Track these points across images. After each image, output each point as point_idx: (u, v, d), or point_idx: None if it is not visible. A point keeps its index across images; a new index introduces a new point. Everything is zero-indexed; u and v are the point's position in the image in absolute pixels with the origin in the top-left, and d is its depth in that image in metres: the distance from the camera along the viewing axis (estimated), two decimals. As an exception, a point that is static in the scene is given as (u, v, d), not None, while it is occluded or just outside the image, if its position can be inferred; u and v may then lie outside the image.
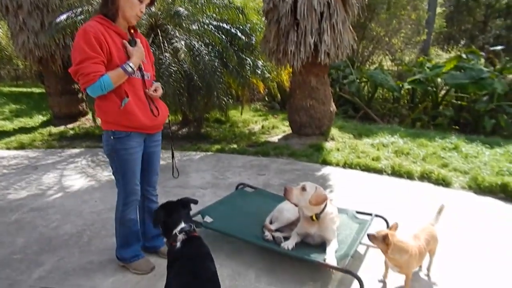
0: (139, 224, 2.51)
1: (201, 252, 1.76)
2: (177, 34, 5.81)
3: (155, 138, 2.37)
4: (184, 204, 1.97)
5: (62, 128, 7.43)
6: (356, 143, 5.73)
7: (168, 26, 6.05)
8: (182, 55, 5.43)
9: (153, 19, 6.06)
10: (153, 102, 2.22)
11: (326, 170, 4.69)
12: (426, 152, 5.25)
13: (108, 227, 3.09)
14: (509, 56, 9.74)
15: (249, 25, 6.94)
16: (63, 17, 5.72)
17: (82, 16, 5.88)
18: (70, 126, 7.60)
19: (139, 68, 2.16)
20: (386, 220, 2.87)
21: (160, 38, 5.87)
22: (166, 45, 5.90)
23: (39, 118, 8.70)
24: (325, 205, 2.47)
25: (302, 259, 2.36)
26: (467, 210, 3.51)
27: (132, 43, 2.12)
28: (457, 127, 8.09)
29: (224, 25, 6.34)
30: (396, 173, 4.49)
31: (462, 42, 19.62)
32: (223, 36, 6.14)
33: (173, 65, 5.68)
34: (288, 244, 2.45)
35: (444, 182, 4.20)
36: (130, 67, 2.05)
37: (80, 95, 8.14)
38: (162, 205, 1.96)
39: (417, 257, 2.19)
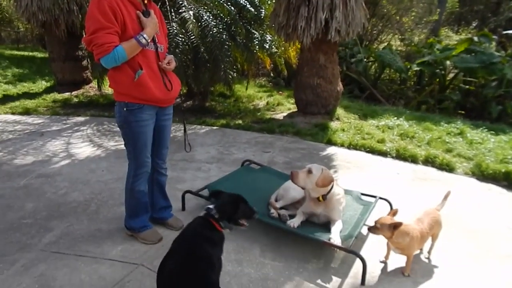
0: (148, 195, 2.55)
1: (202, 233, 1.73)
2: (185, 4, 5.65)
3: (167, 111, 2.36)
4: (236, 199, 1.90)
5: (66, 95, 7.38)
6: (362, 124, 5.71)
7: (176, -6, 5.88)
8: (190, 26, 5.31)
9: (161, -14, 5.88)
10: (167, 76, 2.20)
11: (331, 150, 4.70)
12: (431, 137, 5.24)
13: (115, 196, 3.14)
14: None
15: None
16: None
17: None
18: (74, 93, 7.55)
19: (153, 40, 2.12)
20: (390, 203, 2.91)
21: (168, 7, 5.71)
22: (173, 14, 5.75)
23: (42, 84, 8.63)
24: (332, 186, 2.50)
25: (307, 237, 2.41)
26: (469, 195, 3.55)
27: (146, 14, 2.07)
28: (462, 111, 8.03)
29: (234, -5, 6.16)
30: (400, 156, 4.51)
31: (474, 24, 19.10)
32: (232, 8, 5.98)
33: (180, 36, 5.57)
34: (294, 222, 2.49)
35: (448, 167, 4.22)
36: (144, 38, 2.01)
37: (84, 62, 8.02)
38: (227, 193, 1.95)
39: (418, 240, 2.24)
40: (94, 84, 7.86)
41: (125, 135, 2.24)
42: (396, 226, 2.12)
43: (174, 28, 5.52)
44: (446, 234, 2.60)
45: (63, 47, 7.62)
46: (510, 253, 2.56)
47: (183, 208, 2.94)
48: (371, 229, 2.20)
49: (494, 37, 9.11)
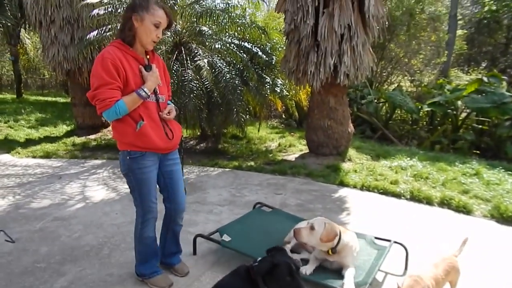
0: (161, 239, 2.57)
1: None
2: (200, 52, 5.98)
3: (170, 156, 2.41)
4: (287, 268, 1.82)
5: (84, 138, 7.66)
6: (374, 165, 5.69)
7: (192, 44, 6.25)
8: (205, 73, 5.58)
9: (178, 37, 6.27)
10: (167, 125, 2.29)
11: (343, 191, 4.67)
12: (446, 177, 5.17)
13: (128, 240, 3.15)
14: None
15: (269, 44, 7.10)
16: (94, 33, 5.98)
17: (110, 33, 6.15)
18: (92, 137, 7.83)
19: (154, 92, 2.22)
20: (405, 247, 2.83)
21: (184, 55, 6.06)
22: (189, 62, 6.08)
23: (63, 128, 9.00)
24: (339, 239, 2.45)
25: (321, 284, 2.35)
26: (489, 240, 3.43)
27: (148, 68, 2.19)
28: (477, 151, 7.93)
29: (246, 44, 6.51)
30: (415, 198, 4.43)
31: (483, 64, 19.32)
32: (244, 55, 6.29)
33: (194, 81, 5.85)
34: (307, 269, 2.45)
35: (465, 210, 4.11)
36: (145, 92, 2.12)
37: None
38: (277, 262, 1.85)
39: (435, 286, 2.16)
40: (111, 128, 8.16)
41: (130, 183, 2.31)
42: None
43: (190, 74, 5.81)
44: (467, 279, 2.49)
45: (85, 93, 7.95)
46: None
47: (194, 252, 2.92)
48: None
49: (504, 77, 9.19)
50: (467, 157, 7.29)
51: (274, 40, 7.13)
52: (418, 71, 12.26)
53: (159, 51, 6.19)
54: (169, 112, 2.28)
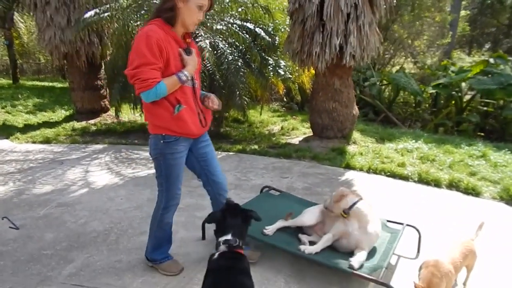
0: None
1: (236, 267, 1.69)
2: (202, 33, 5.80)
3: (202, 138, 2.34)
4: (244, 216, 1.86)
5: (84, 123, 7.54)
6: (380, 148, 5.62)
7: (193, 24, 6.05)
8: (207, 54, 5.42)
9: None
10: (203, 112, 2.23)
11: (350, 174, 4.61)
12: (453, 160, 5.10)
13: (134, 225, 3.10)
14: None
15: (271, 25, 6.90)
16: (91, 13, 5.79)
17: (108, 13, 5.95)
18: (92, 121, 7.70)
19: (191, 77, 2.15)
20: (418, 230, 2.78)
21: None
22: (190, 43, 5.90)
23: (62, 113, 8.85)
24: (354, 202, 2.43)
25: (332, 267, 2.31)
26: (499, 221, 3.39)
27: (188, 52, 2.11)
28: (482, 134, 7.86)
29: (248, 24, 6.30)
30: (423, 180, 4.38)
31: (487, 46, 19.05)
32: (247, 36, 6.11)
33: (196, 64, 5.69)
34: (308, 249, 2.40)
35: (473, 192, 4.07)
36: (185, 75, 2.05)
37: (102, 91, 8.23)
38: (222, 208, 1.90)
39: (452, 274, 2.11)
40: (111, 112, 8.02)
41: (159, 167, 2.24)
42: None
43: (191, 56, 5.65)
44: (480, 262, 2.45)
45: (83, 77, 7.85)
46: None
47: (203, 237, 2.87)
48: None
49: (510, 58, 9.03)
50: (472, 139, 7.22)
51: (277, 21, 6.92)
52: (422, 53, 12.06)
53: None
54: (211, 102, 2.25)
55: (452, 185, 4.23)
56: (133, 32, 6.12)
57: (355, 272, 2.18)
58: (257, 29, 6.23)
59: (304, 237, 2.65)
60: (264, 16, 6.37)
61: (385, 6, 5.65)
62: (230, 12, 6.37)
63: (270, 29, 6.68)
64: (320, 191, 3.98)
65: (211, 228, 2.91)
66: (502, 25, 21.59)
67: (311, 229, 2.74)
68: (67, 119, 8.05)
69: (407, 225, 2.82)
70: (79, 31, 6.37)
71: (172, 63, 2.02)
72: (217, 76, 5.95)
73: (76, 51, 7.34)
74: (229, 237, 1.75)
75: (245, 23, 6.32)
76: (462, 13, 16.65)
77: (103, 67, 8.21)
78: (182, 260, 2.55)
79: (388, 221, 2.91)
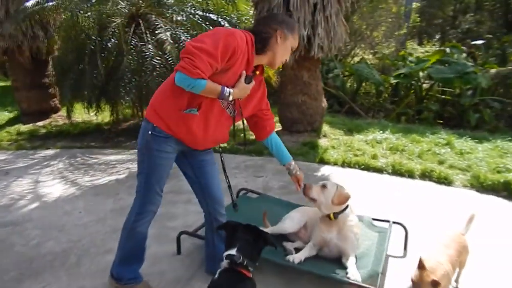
0: (209, 247, 2.27)
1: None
2: (162, 25, 5.39)
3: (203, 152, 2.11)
4: (255, 233, 1.64)
5: (31, 126, 6.83)
6: (351, 140, 5.57)
7: (151, 15, 5.61)
8: (168, 48, 5.04)
9: (134, 7, 5.61)
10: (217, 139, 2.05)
11: (325, 169, 4.49)
12: (421, 149, 5.16)
13: (98, 242, 2.74)
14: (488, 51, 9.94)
15: (235, 15, 6.61)
16: (33, 2, 5.16)
17: (54, 3, 5.35)
18: (40, 123, 7.00)
19: (231, 101, 1.92)
20: (405, 228, 2.69)
21: (143, 28, 5.44)
22: (148, 36, 5.48)
23: (4, 115, 7.98)
24: (347, 206, 2.29)
25: (324, 276, 2.14)
26: (472, 209, 3.40)
27: (248, 79, 1.88)
28: (441, 121, 8.14)
29: (211, 15, 5.97)
30: (396, 172, 4.37)
31: (437, 36, 20.03)
32: (211, 27, 5.78)
33: (157, 58, 5.29)
34: (295, 258, 2.22)
35: (446, 181, 4.11)
36: (229, 93, 1.80)
37: (51, 90, 7.49)
38: (235, 222, 1.71)
39: (451, 273, 2.02)
40: (63, 112, 7.32)
41: (142, 162, 1.95)
42: (436, 284, 1.88)
43: (151, 50, 5.23)
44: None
45: (28, 75, 7.08)
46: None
47: (179, 252, 2.59)
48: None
49: (463, 48, 9.45)
50: (433, 127, 7.45)
51: (240, 12, 6.64)
52: (380, 44, 12.34)
53: (113, 23, 5.52)
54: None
55: (425, 175, 4.25)
56: (83, 24, 5.58)
57: (351, 281, 2.01)
58: (221, 21, 5.92)
59: (289, 245, 2.47)
60: (227, 6, 6.07)
61: (350, -4, 5.59)
62: (191, 2, 6.00)
63: (234, 20, 6.39)
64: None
65: (186, 239, 2.65)
66: (448, 16, 22.85)
67: (294, 235, 2.56)
68: (11, 122, 7.26)
69: (393, 222, 2.72)
70: (19, 23, 5.69)
71: (227, 75, 1.80)
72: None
73: (18, 46, 6.59)
74: (233, 251, 1.52)
75: (207, 14, 5.99)
76: (414, 5, 17.32)
77: (50, 63, 7.46)
78: (157, 281, 2.25)
79: (373, 219, 2.79)
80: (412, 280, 1.90)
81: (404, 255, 2.62)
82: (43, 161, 4.90)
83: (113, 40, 5.42)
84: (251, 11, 6.38)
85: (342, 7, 5.54)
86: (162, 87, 1.92)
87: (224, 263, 1.52)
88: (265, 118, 2.21)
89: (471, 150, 5.20)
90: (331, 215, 2.26)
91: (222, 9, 6.25)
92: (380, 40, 12.31)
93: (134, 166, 4.56)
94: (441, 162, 4.73)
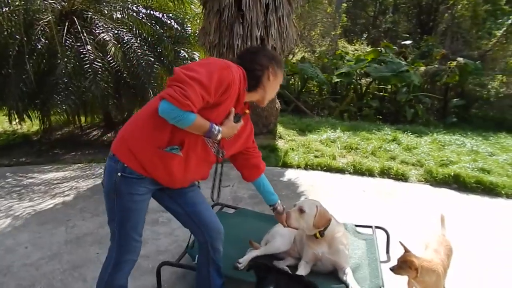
0: (205, 279, 1.99)
1: None
2: (101, 24, 4.85)
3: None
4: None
5: None
6: (309, 141, 5.62)
7: (87, 13, 5.02)
8: (112, 49, 4.55)
9: (67, 3, 4.97)
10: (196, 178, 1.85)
11: (289, 174, 4.44)
12: (373, 146, 5.41)
13: (57, 285, 2.31)
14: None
15: (181, 14, 6.25)
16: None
17: (6, 9, 4.52)
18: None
19: (218, 142, 1.72)
20: (386, 231, 2.73)
21: (79, 27, 4.83)
22: (85, 35, 4.89)
23: None
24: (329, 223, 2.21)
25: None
26: (426, 203, 3.65)
27: (237, 118, 1.70)
28: (380, 117, 8.68)
29: (156, 13, 5.55)
30: (357, 171, 4.49)
31: (365, 35, 21.46)
32: (157, 26, 5.37)
33: (98, 60, 4.76)
34: None
35: (403, 177, 4.34)
36: (217, 131, 1.58)
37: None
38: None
39: (443, 275, 2.07)
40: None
41: (111, 208, 1.64)
42: (410, 263, 1.91)
43: (90, 52, 4.68)
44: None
45: None
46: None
47: (159, 285, 2.29)
48: (394, 269, 1.96)
49: (395, 47, 10.19)
50: (375, 123, 7.91)
51: (185, 11, 6.29)
52: (317, 43, 12.77)
53: (41, 21, 4.82)
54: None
55: (384, 173, 4.44)
56: (4, 22, 4.79)
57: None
58: (167, 19, 5.54)
59: (280, 264, 2.34)
60: (173, 3, 5.70)
61: (300, -3, 5.61)
62: (133, -1, 5.52)
63: (179, 19, 6.04)
64: (268, 198, 3.70)
65: (165, 269, 2.36)
66: (369, 16, 24.64)
67: (284, 252, 2.44)
68: None
69: (376, 227, 2.75)
70: None
71: (217, 111, 1.58)
72: (125, 74, 5.12)
73: None
74: None
75: (151, 12, 5.55)
76: (344, 5, 18.34)
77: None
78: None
79: (356, 225, 2.79)
80: (397, 260, 1.95)
81: (388, 259, 2.65)
82: (-37, 185, 4.10)
83: (43, 40, 4.73)
84: (197, 10, 6.10)
85: (292, 8, 5.54)
86: (138, 117, 1.64)
87: None
88: (255, 155, 2.03)
89: (416, 145, 5.58)
90: (317, 234, 2.18)
91: (165, 7, 5.86)
92: (317, 39, 12.73)
93: (81, 185, 4.04)
94: (392, 158, 5.00)
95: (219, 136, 1.60)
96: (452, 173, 4.20)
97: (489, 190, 3.95)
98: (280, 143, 5.63)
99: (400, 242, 2.02)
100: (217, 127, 1.57)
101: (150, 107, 1.58)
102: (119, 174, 1.55)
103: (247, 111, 1.82)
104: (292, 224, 2.14)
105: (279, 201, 2.12)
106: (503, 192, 3.90)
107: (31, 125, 7.03)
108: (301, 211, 2.14)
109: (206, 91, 1.46)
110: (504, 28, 9.56)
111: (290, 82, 10.16)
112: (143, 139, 1.56)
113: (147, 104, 1.63)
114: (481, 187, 3.98)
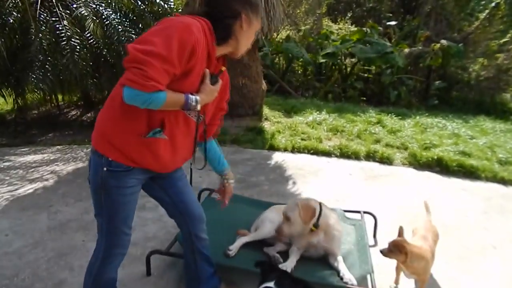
0: (191, 270, 1.95)
1: None
2: (78, -3, 4.57)
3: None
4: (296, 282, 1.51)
5: None
6: (295, 124, 5.60)
7: (62, -16, 4.71)
8: (91, 25, 4.30)
9: (39, -27, 4.63)
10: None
11: (277, 157, 4.43)
12: (359, 129, 5.45)
13: (42, 274, 2.24)
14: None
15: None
16: None
17: None
18: None
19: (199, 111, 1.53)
20: (374, 217, 2.77)
21: (53, 0, 4.53)
22: (61, 10, 4.60)
23: None
24: (320, 210, 2.21)
25: (315, 282, 2.07)
26: (411, 186, 3.74)
27: (214, 80, 1.50)
28: (364, 98, 8.73)
29: (136, -14, 5.27)
30: (344, 154, 4.53)
31: (349, 14, 21.27)
32: (138, 1, 5.11)
33: (75, 37, 4.50)
34: (288, 266, 2.13)
35: (388, 160, 4.40)
36: (196, 101, 1.43)
37: None
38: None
39: (432, 261, 2.13)
40: None
41: (97, 202, 1.55)
42: (400, 247, 1.96)
43: (67, 28, 4.42)
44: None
45: None
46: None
47: (148, 273, 2.26)
48: (384, 252, 2.00)
49: (380, 28, 10.13)
50: (359, 105, 7.96)
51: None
52: (302, 22, 12.56)
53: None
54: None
55: (370, 156, 4.49)
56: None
57: (348, 286, 1.98)
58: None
59: (271, 251, 2.33)
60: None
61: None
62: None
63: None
64: (256, 181, 3.69)
65: (155, 257, 2.33)
66: (353, -6, 24.39)
67: (274, 238, 2.44)
68: None
69: (364, 212, 2.78)
70: None
71: (189, 80, 1.41)
72: (105, 52, 4.88)
73: None
74: (271, 284, 1.40)
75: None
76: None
77: None
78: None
79: (344, 211, 2.82)
80: (388, 243, 1.99)
81: (375, 243, 2.70)
82: None
83: (15, 14, 4.42)
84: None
85: (280, -14, 5.37)
86: (107, 107, 1.49)
87: None
88: (215, 122, 1.84)
89: (400, 127, 5.66)
90: (313, 228, 2.18)
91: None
92: (301, 17, 12.51)
93: (62, 168, 3.90)
94: (377, 141, 5.06)
95: (199, 107, 1.46)
96: (435, 157, 4.30)
97: (470, 173, 4.07)
98: (266, 125, 5.59)
99: (401, 227, 2.05)
100: (193, 97, 1.43)
101: (115, 95, 1.43)
102: (105, 168, 1.45)
103: (223, 68, 1.61)
104: (287, 234, 2.19)
105: (227, 173, 1.99)
106: (483, 175, 4.02)
107: (4, 104, 6.69)
108: (287, 218, 2.16)
109: (168, 63, 1.29)
110: (487, 11, 9.64)
111: (275, 61, 10.00)
112: (121, 130, 1.44)
113: (114, 91, 1.46)
114: (462, 170, 4.10)
